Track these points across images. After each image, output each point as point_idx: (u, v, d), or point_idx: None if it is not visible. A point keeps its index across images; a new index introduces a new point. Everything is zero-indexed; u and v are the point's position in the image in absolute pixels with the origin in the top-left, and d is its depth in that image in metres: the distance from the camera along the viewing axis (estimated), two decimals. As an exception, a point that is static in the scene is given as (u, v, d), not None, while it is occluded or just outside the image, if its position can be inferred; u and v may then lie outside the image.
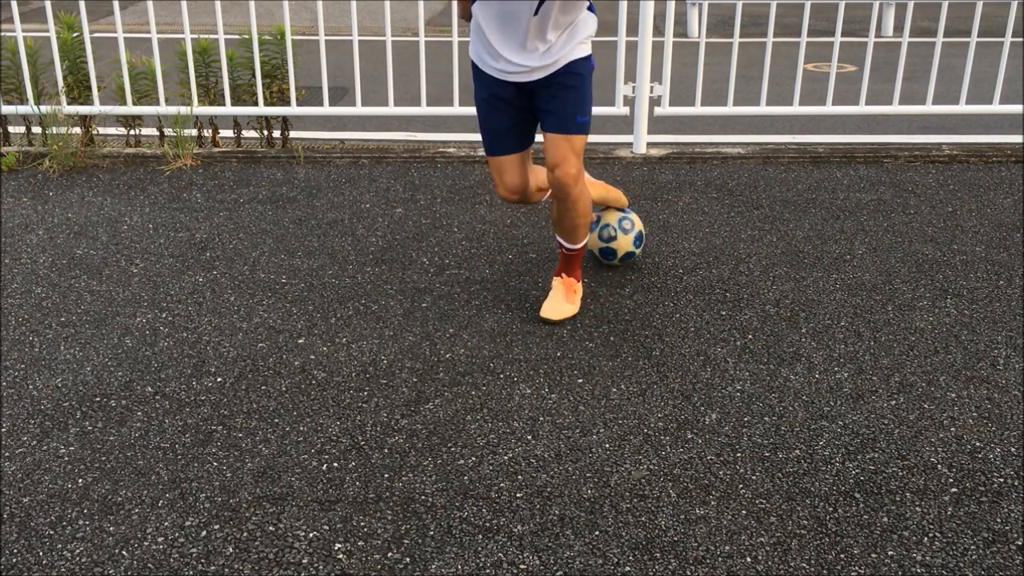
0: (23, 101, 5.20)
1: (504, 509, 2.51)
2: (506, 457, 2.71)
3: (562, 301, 3.49)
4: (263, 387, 3.06)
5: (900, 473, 2.65)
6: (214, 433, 2.82)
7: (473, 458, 2.71)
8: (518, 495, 2.56)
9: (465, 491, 2.58)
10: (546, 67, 3.12)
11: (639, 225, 3.82)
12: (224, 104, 5.25)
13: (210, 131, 5.37)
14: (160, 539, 2.41)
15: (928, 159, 5.22)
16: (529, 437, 2.80)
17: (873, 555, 2.36)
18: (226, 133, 5.47)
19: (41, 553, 2.36)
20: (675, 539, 2.40)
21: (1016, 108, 5.38)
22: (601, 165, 5.13)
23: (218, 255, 4.02)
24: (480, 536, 2.42)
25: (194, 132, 5.30)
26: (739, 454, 2.73)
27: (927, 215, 4.46)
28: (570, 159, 3.16)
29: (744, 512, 2.50)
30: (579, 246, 3.47)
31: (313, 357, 3.23)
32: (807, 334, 3.39)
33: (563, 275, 3.53)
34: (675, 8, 5.77)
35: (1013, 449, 2.75)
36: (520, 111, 3.26)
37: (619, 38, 5.10)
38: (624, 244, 3.77)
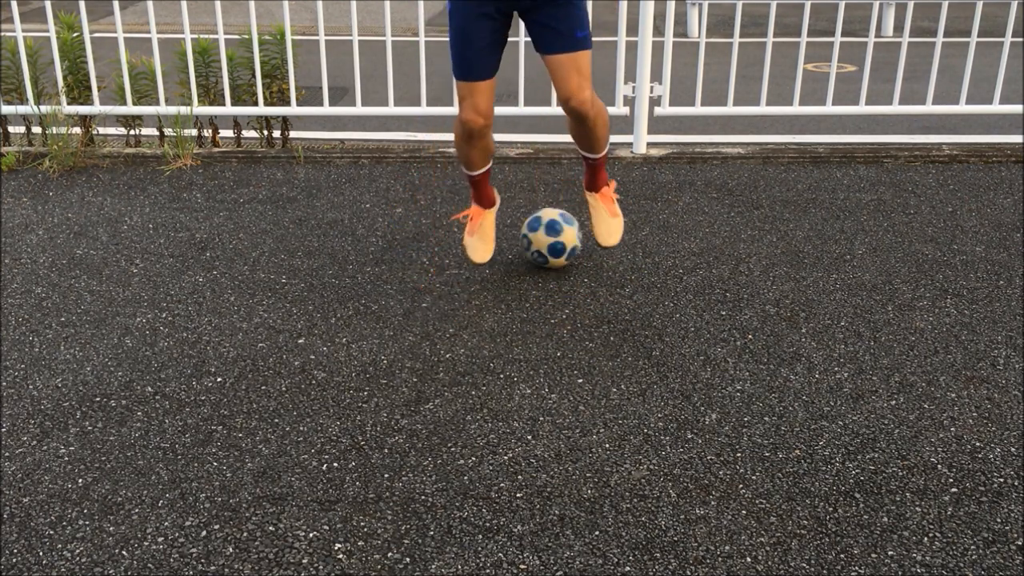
0: (23, 101, 5.20)
1: (504, 509, 2.51)
2: (506, 457, 2.71)
3: (608, 218, 3.62)
4: (263, 387, 3.06)
5: (900, 473, 2.65)
6: (214, 433, 2.82)
7: (473, 458, 2.71)
8: (518, 495, 2.56)
9: (465, 491, 2.58)
10: None
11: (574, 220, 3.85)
12: (224, 104, 5.26)
13: (210, 131, 5.38)
14: (160, 539, 2.41)
15: (928, 159, 5.22)
16: (529, 437, 2.80)
17: (873, 555, 2.36)
18: (226, 133, 5.47)
19: (41, 553, 2.36)
20: (675, 539, 2.40)
21: (1016, 108, 5.39)
22: (601, 165, 5.13)
23: (218, 255, 4.02)
24: (480, 536, 2.42)
25: (194, 132, 5.30)
26: (739, 454, 2.73)
27: (927, 215, 4.46)
28: (582, 85, 3.22)
29: (744, 512, 2.50)
30: (604, 153, 3.56)
31: (313, 357, 3.23)
32: (807, 334, 3.39)
33: (597, 189, 3.64)
34: (675, 8, 5.77)
35: (1013, 449, 2.75)
36: (498, 29, 3.24)
37: (619, 38, 5.10)
38: (570, 237, 3.75)
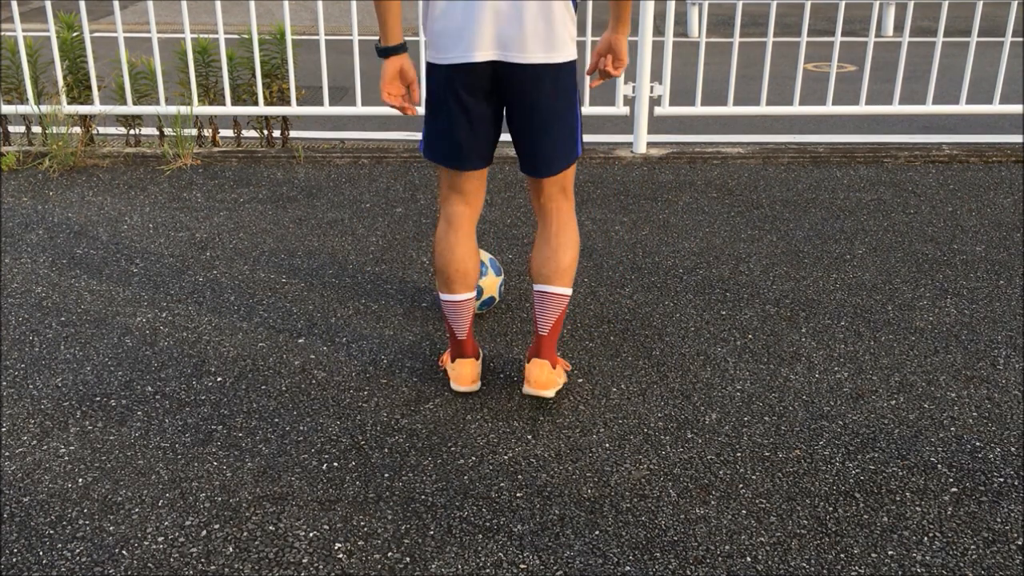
0: (23, 101, 5.20)
1: (504, 509, 2.51)
2: (506, 457, 2.71)
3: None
4: (263, 387, 3.06)
5: (900, 473, 2.65)
6: (214, 433, 2.82)
7: (473, 458, 2.71)
8: (518, 495, 2.56)
9: (465, 491, 2.58)
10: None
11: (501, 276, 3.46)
12: (224, 104, 5.26)
13: (210, 131, 5.38)
14: (160, 539, 2.41)
15: (928, 159, 5.22)
16: (529, 437, 2.80)
17: (873, 555, 2.36)
18: (226, 133, 5.47)
19: (41, 553, 2.36)
20: (675, 539, 2.40)
21: (1016, 108, 5.39)
22: (601, 165, 5.13)
23: (218, 255, 4.02)
24: (480, 536, 2.42)
25: (194, 132, 5.30)
26: (739, 454, 2.73)
27: (927, 215, 4.47)
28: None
29: (744, 512, 2.50)
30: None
31: (313, 357, 3.23)
32: (807, 334, 3.39)
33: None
34: (675, 8, 5.77)
35: (1013, 449, 2.75)
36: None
37: (619, 38, 5.10)
38: (491, 286, 3.40)
